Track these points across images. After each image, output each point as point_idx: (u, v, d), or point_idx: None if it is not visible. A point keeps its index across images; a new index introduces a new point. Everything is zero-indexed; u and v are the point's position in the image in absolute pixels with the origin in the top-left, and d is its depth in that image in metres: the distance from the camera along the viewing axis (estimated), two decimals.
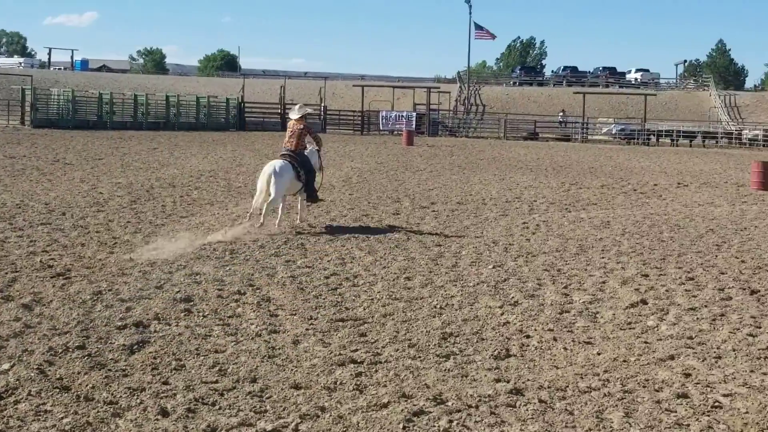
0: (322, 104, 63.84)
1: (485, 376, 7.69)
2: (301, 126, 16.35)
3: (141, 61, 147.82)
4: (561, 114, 69.49)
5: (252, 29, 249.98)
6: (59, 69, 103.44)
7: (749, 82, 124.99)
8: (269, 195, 15.22)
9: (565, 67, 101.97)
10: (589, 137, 63.58)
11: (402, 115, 61.62)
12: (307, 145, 16.76)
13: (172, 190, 21.57)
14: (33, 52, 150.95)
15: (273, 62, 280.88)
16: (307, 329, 9.05)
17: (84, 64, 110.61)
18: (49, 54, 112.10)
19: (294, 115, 16.69)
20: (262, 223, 15.34)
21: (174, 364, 7.73)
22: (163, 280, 11.03)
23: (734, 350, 8.77)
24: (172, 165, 29.03)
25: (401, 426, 6.45)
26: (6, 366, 7.45)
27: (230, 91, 70.38)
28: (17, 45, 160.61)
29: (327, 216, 17.60)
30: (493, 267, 12.81)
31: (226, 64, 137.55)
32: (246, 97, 64.94)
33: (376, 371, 7.72)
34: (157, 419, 6.46)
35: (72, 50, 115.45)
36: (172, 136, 47.23)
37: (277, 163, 15.68)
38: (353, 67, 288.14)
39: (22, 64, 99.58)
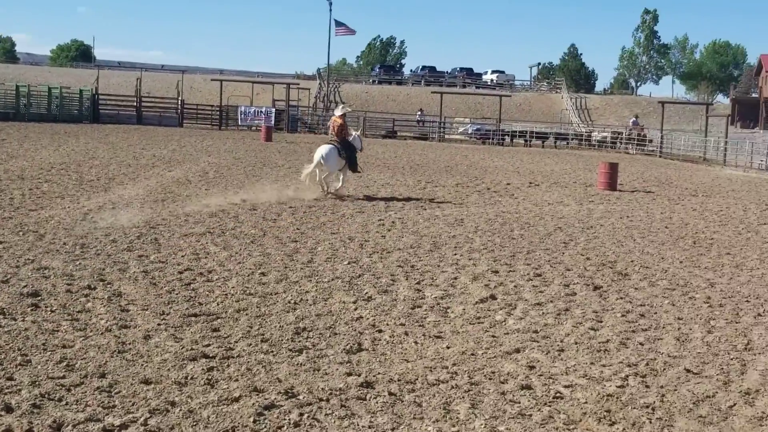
0: (179, 98, 62.92)
1: (337, 369, 7.79)
2: (341, 122, 21.95)
3: None
4: (419, 113, 70.46)
5: (108, 20, 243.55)
6: None
7: (599, 86, 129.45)
8: (324, 171, 21.13)
9: (424, 67, 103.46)
10: (446, 136, 64.63)
11: (261, 111, 61.25)
12: (351, 131, 22.72)
13: (21, 182, 20.91)
14: None
15: (130, 54, 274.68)
16: (158, 324, 8.97)
17: None
18: None
19: (338, 112, 22.56)
20: (326, 191, 21.34)
21: (19, 359, 7.55)
22: (9, 274, 10.73)
23: (576, 343, 9.13)
24: (22, 157, 28.10)
25: (252, 420, 6.48)
26: None
27: (84, 82, 68.63)
28: None
29: (181, 211, 17.36)
30: (348, 263, 12.94)
31: (80, 54, 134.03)
32: (101, 89, 63.45)
33: (228, 366, 7.72)
34: (0, 415, 6.31)
35: None
36: (22, 128, 45.69)
37: (324, 148, 21.14)
38: (212, 62, 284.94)
39: None
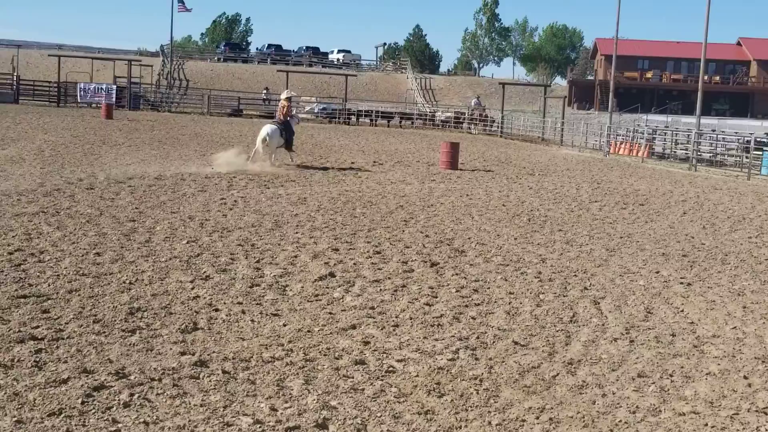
0: (15, 74, 60.56)
1: (170, 349, 7.73)
2: (287, 104, 25.70)
3: None
4: (265, 92, 69.91)
5: None
6: None
7: (443, 67, 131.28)
8: (267, 147, 24.37)
9: (270, 45, 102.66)
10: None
11: (101, 88, 59.59)
12: (292, 111, 26.12)
13: None
14: None
15: None
16: None
17: None
18: None
19: (284, 96, 26.43)
20: (271, 163, 24.67)
21: None
22: None
23: (411, 319, 9.33)
24: None
25: (80, 401, 6.37)
26: None
27: None
28: None
29: (14, 190, 16.79)
30: (187, 242, 12.80)
31: None
32: None
33: (58, 347, 7.56)
34: None
35: None
36: None
37: (269, 128, 24.67)
38: (50, 36, 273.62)
39: None
